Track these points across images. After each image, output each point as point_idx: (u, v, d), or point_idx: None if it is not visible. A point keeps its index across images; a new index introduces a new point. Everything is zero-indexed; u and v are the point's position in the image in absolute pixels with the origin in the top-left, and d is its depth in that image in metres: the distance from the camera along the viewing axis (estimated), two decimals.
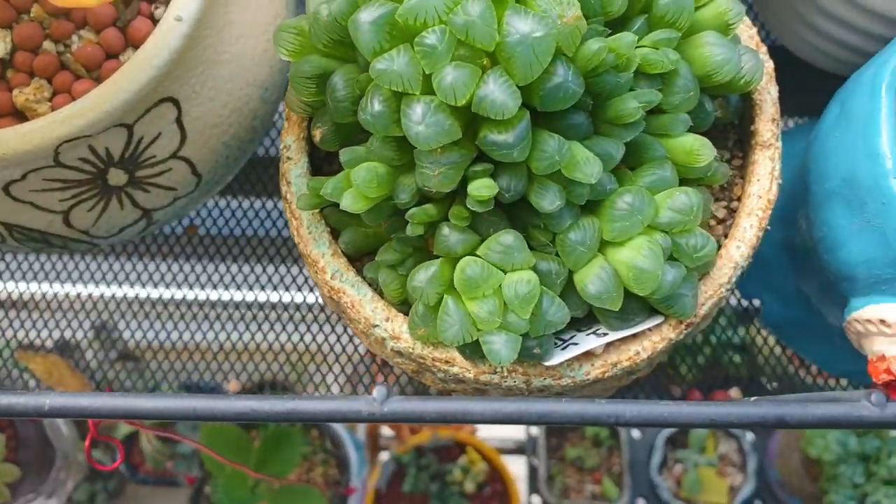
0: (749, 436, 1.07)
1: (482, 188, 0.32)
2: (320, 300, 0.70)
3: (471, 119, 0.32)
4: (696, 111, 0.36)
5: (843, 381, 0.64)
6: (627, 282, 0.33)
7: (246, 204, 0.72)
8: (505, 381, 0.36)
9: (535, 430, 1.14)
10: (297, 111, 0.37)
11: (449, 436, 1.07)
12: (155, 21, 0.40)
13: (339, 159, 0.35)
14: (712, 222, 0.39)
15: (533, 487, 1.14)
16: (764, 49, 0.39)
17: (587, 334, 0.36)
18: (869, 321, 0.40)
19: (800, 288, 0.51)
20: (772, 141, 0.38)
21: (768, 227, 0.37)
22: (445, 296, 0.33)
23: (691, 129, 0.36)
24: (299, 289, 0.70)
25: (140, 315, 0.75)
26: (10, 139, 0.37)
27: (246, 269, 0.71)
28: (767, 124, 0.38)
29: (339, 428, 0.98)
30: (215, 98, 0.42)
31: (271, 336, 0.71)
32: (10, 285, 0.70)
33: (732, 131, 0.41)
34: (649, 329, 0.36)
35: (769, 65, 0.39)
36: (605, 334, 0.36)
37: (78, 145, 0.38)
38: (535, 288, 0.32)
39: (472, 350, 0.35)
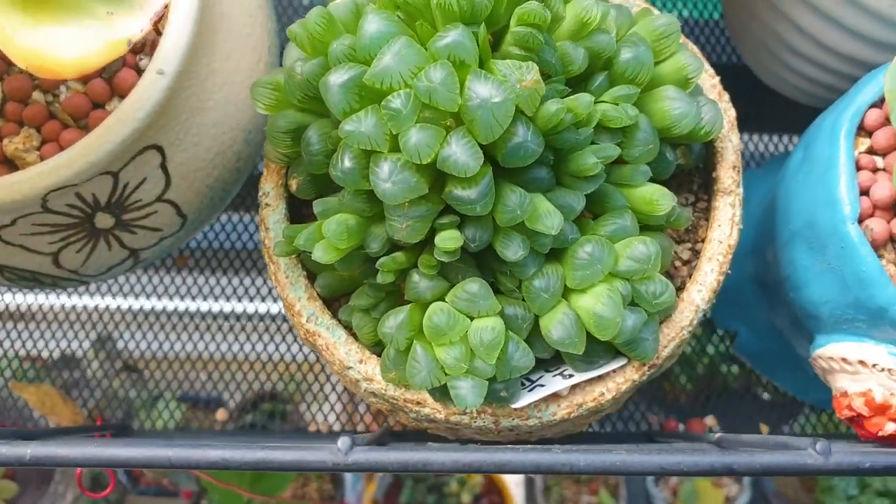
0: None
1: (448, 240, 0.33)
2: None
3: (437, 174, 0.33)
4: (657, 160, 0.37)
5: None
6: (589, 327, 0.35)
7: (247, 218, 0.74)
8: (475, 422, 0.37)
9: None
10: (275, 161, 0.39)
11: None
12: (140, 71, 0.42)
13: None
14: (678, 263, 0.41)
15: (530, 499, 1.15)
16: (726, 97, 0.40)
17: (554, 375, 0.38)
18: (832, 358, 0.42)
19: (772, 320, 0.52)
20: (732, 188, 0.39)
21: (729, 272, 0.39)
22: (415, 341, 0.35)
23: (654, 177, 0.38)
24: None
25: (143, 327, 0.77)
26: (0, 189, 0.38)
27: (247, 280, 0.73)
28: (728, 171, 0.39)
29: None
30: (199, 143, 0.44)
31: (271, 347, 0.72)
32: (12, 297, 0.72)
33: (697, 175, 0.42)
34: (613, 371, 0.37)
35: (731, 113, 0.40)
36: (571, 376, 0.37)
37: (65, 193, 0.39)
38: (500, 335, 0.34)
39: (442, 392, 0.36)
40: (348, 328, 0.39)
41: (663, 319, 0.38)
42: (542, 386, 0.37)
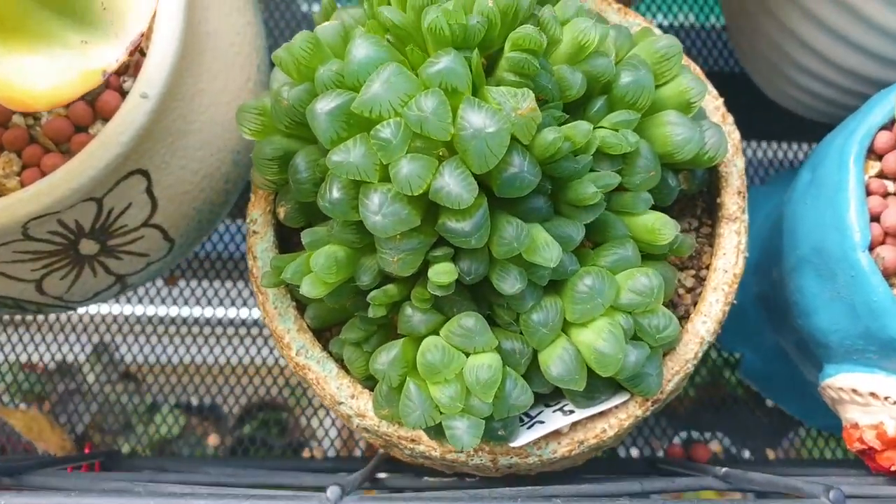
0: None
1: (442, 274, 0.32)
2: None
3: (430, 204, 0.32)
4: (659, 187, 0.36)
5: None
6: (590, 363, 0.33)
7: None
8: (472, 460, 0.36)
9: None
10: (263, 188, 0.37)
11: None
12: (124, 94, 0.41)
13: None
14: (681, 291, 0.39)
15: None
16: (730, 120, 0.39)
17: (554, 410, 0.36)
18: (842, 389, 0.40)
19: (778, 343, 0.51)
20: (738, 214, 0.37)
21: (734, 302, 0.37)
22: (408, 378, 0.33)
23: (656, 204, 0.36)
24: None
25: (142, 334, 0.75)
26: None
27: (246, 290, 0.71)
28: (733, 197, 0.38)
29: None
30: (186, 166, 0.42)
31: (271, 356, 0.71)
32: None
33: (701, 199, 0.40)
34: (616, 406, 0.36)
35: (735, 136, 0.39)
36: (572, 412, 0.36)
37: (47, 220, 0.38)
38: (497, 372, 0.32)
39: (437, 431, 0.35)
40: (340, 360, 0.37)
41: (667, 352, 0.37)
42: (542, 423, 0.36)
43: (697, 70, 0.39)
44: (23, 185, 0.39)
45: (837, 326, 0.39)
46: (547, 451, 0.36)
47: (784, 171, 0.60)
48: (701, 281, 0.39)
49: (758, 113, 0.58)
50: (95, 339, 0.71)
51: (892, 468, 0.39)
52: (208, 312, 0.74)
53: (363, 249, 0.34)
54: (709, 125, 0.36)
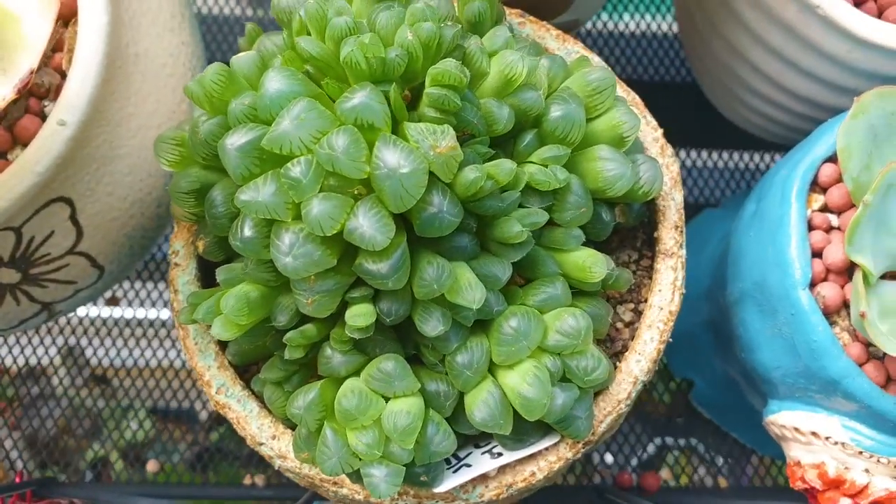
0: None
1: (358, 317, 0.31)
2: None
3: (348, 244, 0.30)
4: (592, 222, 0.34)
5: None
6: (516, 407, 0.32)
7: None
8: None
9: None
10: (183, 220, 0.36)
11: None
12: (45, 118, 0.39)
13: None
14: (619, 325, 0.38)
15: None
16: (669, 152, 0.38)
17: (482, 453, 0.35)
18: (784, 426, 0.39)
19: (727, 371, 0.50)
20: (674, 250, 0.36)
21: (670, 340, 0.36)
22: (325, 423, 0.32)
23: (591, 239, 0.35)
24: None
25: (109, 337, 0.74)
26: None
27: None
28: (670, 232, 0.37)
29: None
30: (113, 192, 0.41)
31: None
32: None
33: (641, 230, 0.39)
34: (546, 449, 0.35)
35: (674, 168, 0.37)
36: (500, 454, 0.35)
37: None
38: (417, 419, 0.31)
39: (358, 476, 0.33)
40: (262, 398, 0.36)
41: (599, 392, 0.35)
42: (469, 466, 0.34)
43: (637, 100, 0.38)
44: None
45: (779, 363, 0.38)
46: (474, 496, 0.34)
47: (740, 194, 0.59)
48: (639, 315, 0.38)
49: (723, 122, 0.56)
50: (60, 341, 0.70)
51: None
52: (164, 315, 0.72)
53: (279, 288, 0.32)
54: (644, 159, 0.35)
